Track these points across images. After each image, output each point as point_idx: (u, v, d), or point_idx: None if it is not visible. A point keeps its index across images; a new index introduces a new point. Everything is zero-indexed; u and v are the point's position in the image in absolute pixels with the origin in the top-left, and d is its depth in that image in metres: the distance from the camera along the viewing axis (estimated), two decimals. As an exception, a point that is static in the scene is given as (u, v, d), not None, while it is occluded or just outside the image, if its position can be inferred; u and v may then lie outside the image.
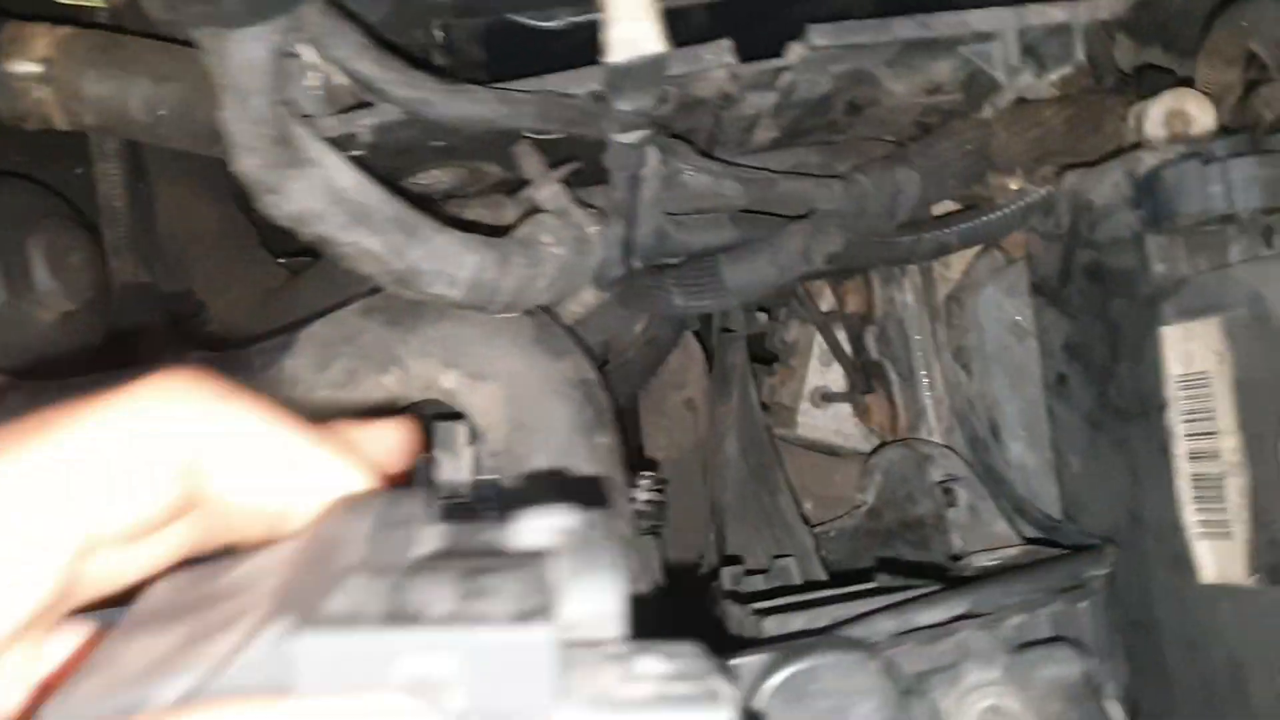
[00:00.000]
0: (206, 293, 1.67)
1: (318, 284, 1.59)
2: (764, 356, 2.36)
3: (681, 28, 1.20)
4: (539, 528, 0.41)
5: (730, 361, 1.99)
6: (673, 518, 2.38)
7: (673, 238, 1.34)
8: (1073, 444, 1.39)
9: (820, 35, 1.17)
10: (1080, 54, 1.23)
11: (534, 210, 1.24)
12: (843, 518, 1.98)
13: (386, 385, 1.25)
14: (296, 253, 1.70)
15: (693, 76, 1.20)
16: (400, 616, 0.33)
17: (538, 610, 0.34)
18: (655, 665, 0.35)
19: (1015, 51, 1.22)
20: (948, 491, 1.51)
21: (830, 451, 2.27)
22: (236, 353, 1.31)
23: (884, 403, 1.87)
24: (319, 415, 1.39)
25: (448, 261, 1.05)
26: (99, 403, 0.40)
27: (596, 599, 0.36)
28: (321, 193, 1.01)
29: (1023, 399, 1.55)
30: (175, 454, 0.41)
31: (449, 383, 1.21)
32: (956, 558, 1.46)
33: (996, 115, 1.43)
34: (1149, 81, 1.48)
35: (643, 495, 1.34)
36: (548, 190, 1.24)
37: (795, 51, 1.19)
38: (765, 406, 2.36)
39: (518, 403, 1.18)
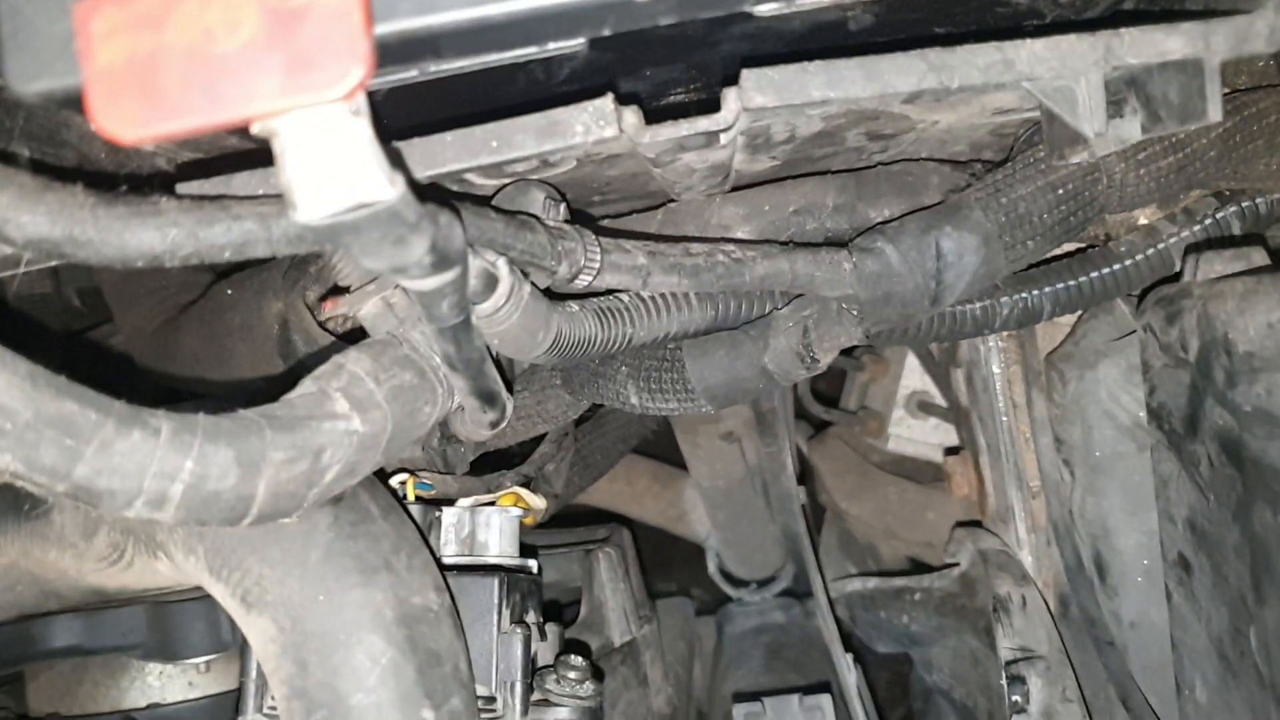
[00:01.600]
0: (115, 305, 1.35)
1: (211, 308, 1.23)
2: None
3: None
4: None
5: (766, 405, 1.54)
6: (735, 542, 1.99)
7: (594, 339, 0.91)
8: (1196, 660, 0.91)
9: (759, 90, 0.69)
10: (1214, 108, 0.71)
11: (344, 339, 0.83)
12: (934, 574, 1.53)
13: (163, 574, 0.88)
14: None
15: (576, 148, 0.75)
16: None
17: None
18: None
19: (1101, 99, 0.71)
20: (1016, 681, 1.05)
21: (929, 470, 1.81)
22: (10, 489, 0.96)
23: (970, 471, 1.39)
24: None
25: (143, 473, 0.64)
26: None
27: None
28: None
29: (1143, 533, 1.07)
30: None
31: (220, 597, 0.82)
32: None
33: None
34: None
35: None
36: (370, 306, 0.82)
37: (729, 108, 0.72)
38: (844, 410, 1.90)
39: (295, 652, 0.78)
